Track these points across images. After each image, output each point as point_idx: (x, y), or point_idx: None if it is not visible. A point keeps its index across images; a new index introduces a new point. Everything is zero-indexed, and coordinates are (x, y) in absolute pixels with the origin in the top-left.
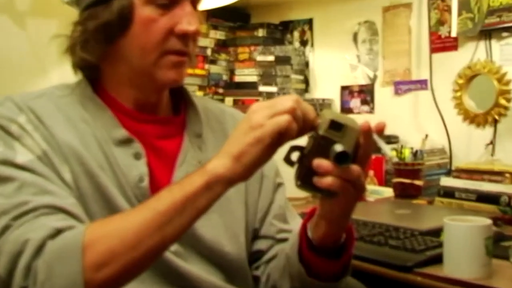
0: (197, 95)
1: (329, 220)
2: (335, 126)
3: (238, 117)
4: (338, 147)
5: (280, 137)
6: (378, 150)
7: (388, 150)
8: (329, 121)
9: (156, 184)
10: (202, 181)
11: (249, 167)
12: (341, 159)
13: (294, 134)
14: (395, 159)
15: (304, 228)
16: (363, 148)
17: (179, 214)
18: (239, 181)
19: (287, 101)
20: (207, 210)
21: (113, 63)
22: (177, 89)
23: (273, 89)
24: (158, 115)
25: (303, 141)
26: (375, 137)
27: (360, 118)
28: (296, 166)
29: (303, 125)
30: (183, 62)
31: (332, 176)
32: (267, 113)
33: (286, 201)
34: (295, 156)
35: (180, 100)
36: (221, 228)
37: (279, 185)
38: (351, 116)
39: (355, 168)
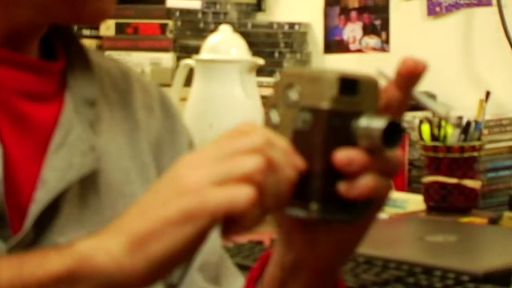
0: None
1: (318, 269)
2: (347, 86)
3: (151, 87)
4: (376, 120)
5: (225, 220)
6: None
7: (439, 107)
8: (337, 80)
9: (15, 181)
10: (62, 267)
11: (155, 264)
12: (391, 137)
13: (250, 224)
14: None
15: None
16: (394, 112)
17: None
18: (132, 286)
19: (250, 155)
20: None
21: None
22: None
23: (194, 3)
24: (28, 54)
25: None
26: (415, 91)
27: (362, 61)
28: None
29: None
30: None
31: (371, 173)
32: (215, 172)
33: (221, 245)
34: None
35: (55, 41)
36: None
37: None
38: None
39: (396, 151)
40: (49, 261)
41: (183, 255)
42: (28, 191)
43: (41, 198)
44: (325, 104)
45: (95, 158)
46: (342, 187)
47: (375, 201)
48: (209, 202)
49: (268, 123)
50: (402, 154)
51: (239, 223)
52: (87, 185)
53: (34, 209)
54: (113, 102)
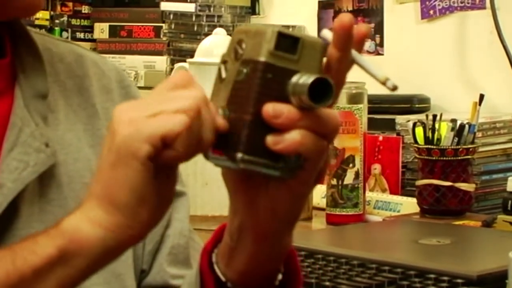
0: (33, 29)
1: (259, 233)
2: (286, 42)
3: (108, 70)
4: (305, 77)
5: (163, 149)
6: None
7: (376, 70)
8: (275, 34)
9: None
10: (53, 249)
11: (132, 212)
12: (319, 93)
13: (185, 150)
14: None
15: (207, 260)
16: (333, 73)
17: None
18: (128, 243)
19: (187, 96)
20: None
21: None
22: None
23: (189, 6)
24: None
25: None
26: (354, 53)
27: None
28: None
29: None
30: None
31: (300, 128)
32: (149, 108)
33: (189, 224)
34: None
35: (3, 37)
36: None
37: (178, 195)
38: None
39: (331, 111)
40: (39, 246)
41: (148, 194)
42: None
43: None
44: (261, 57)
45: (51, 154)
46: (269, 138)
47: (307, 162)
48: (143, 129)
49: (217, 78)
50: (337, 115)
51: (174, 148)
52: (47, 181)
53: None
54: (68, 89)
